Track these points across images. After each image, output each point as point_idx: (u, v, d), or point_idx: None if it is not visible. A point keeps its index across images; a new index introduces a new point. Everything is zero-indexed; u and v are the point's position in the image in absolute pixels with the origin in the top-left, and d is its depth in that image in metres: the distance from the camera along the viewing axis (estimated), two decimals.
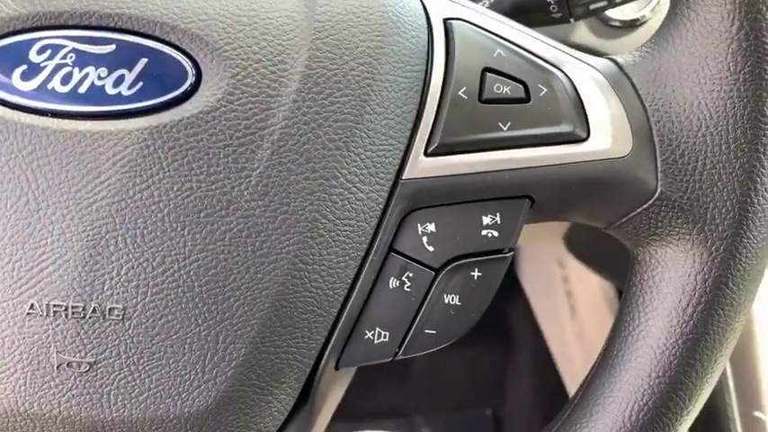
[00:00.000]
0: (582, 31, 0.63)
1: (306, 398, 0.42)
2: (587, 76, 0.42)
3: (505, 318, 1.19)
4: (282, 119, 0.38)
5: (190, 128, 0.37)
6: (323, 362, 0.41)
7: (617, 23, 0.64)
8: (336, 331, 0.41)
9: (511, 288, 1.13)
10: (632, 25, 0.64)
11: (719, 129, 0.41)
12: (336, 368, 0.42)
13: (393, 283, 0.41)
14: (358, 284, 0.41)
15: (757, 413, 0.77)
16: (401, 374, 1.22)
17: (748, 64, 0.40)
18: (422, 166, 0.40)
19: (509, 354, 1.21)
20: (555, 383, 1.09)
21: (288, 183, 0.38)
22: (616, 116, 0.42)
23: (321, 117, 0.39)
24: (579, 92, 0.42)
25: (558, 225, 0.86)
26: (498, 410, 1.22)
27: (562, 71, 0.42)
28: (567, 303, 1.03)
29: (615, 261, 0.79)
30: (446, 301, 0.41)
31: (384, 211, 0.40)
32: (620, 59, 0.43)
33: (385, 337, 0.41)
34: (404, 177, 0.40)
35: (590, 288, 0.97)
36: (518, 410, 1.20)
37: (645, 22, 0.64)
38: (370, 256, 0.41)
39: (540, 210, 0.43)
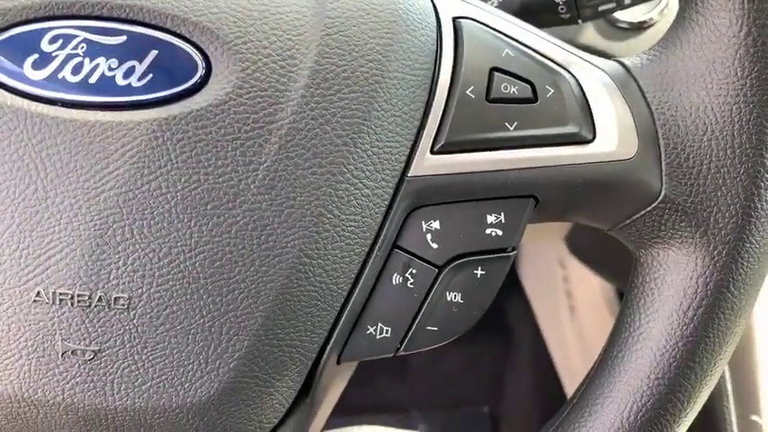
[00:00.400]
0: (590, 33, 0.63)
1: (307, 391, 0.42)
2: (594, 78, 0.42)
3: (505, 315, 1.19)
4: (291, 114, 0.38)
5: (199, 120, 0.38)
6: (325, 356, 0.41)
7: (625, 25, 0.64)
8: (339, 325, 0.41)
9: (511, 286, 1.13)
10: (640, 27, 0.64)
11: (725, 133, 0.41)
12: (338, 362, 0.42)
13: (396, 279, 0.41)
14: (361, 280, 0.41)
15: (754, 417, 0.77)
16: (400, 370, 1.22)
17: (755, 69, 0.40)
18: (428, 163, 0.40)
19: (508, 351, 1.21)
20: (553, 382, 1.09)
21: (294, 177, 0.39)
22: (622, 118, 0.42)
23: (329, 113, 0.39)
24: (586, 93, 0.42)
25: (559, 225, 0.87)
26: (496, 408, 1.22)
27: (569, 72, 0.42)
28: (567, 303, 1.03)
29: (616, 262, 0.79)
30: (448, 299, 0.42)
31: (389, 208, 0.41)
32: (627, 62, 0.43)
33: (387, 333, 0.42)
34: (410, 174, 0.40)
35: (590, 289, 0.97)
36: (516, 408, 1.20)
37: (653, 25, 0.64)
38: (375, 252, 0.41)
39: (544, 210, 0.43)
